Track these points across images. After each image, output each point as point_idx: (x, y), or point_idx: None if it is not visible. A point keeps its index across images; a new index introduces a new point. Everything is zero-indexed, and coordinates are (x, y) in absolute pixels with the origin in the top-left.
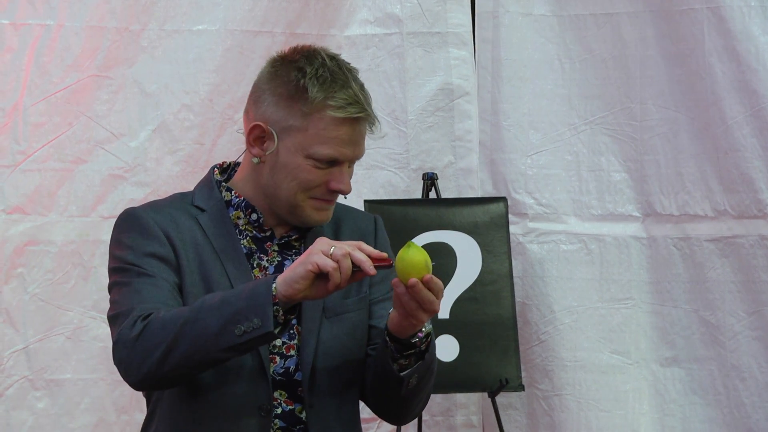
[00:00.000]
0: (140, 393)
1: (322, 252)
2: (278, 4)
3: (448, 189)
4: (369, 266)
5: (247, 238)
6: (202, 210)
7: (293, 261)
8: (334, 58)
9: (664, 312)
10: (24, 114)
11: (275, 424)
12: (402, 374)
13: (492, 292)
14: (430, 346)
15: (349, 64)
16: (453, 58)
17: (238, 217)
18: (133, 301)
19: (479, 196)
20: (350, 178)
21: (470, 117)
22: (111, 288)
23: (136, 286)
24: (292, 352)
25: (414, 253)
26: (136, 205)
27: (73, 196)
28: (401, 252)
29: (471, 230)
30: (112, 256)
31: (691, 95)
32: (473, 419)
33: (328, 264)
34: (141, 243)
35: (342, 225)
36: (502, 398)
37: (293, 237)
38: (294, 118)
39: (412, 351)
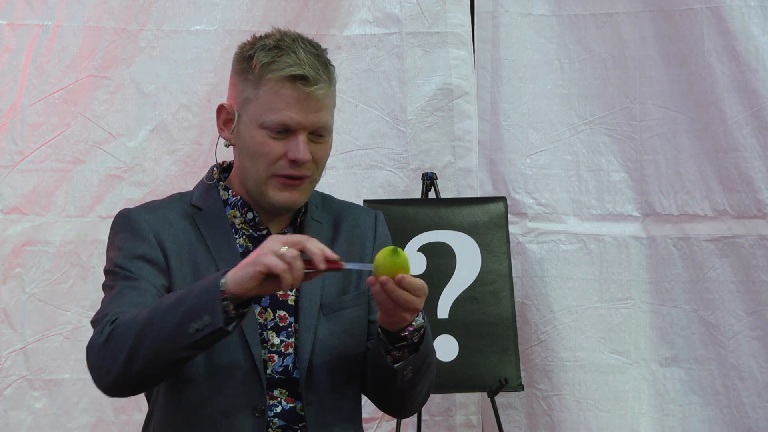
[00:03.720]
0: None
1: (273, 252)
2: (277, 3)
3: (447, 189)
4: (320, 260)
5: (244, 237)
6: (200, 209)
7: None
8: (288, 34)
9: (664, 312)
10: (22, 114)
11: (274, 423)
12: (396, 366)
13: (491, 292)
14: (424, 339)
15: (311, 41)
16: (452, 58)
17: (235, 216)
18: (112, 306)
19: (479, 196)
20: (324, 153)
21: (470, 117)
22: (103, 290)
23: (118, 290)
24: (291, 350)
25: (388, 259)
26: (134, 205)
27: (71, 197)
28: (378, 256)
29: (470, 230)
30: (107, 257)
31: (690, 95)
32: (473, 419)
33: (279, 266)
34: (131, 245)
35: (341, 222)
36: (501, 398)
37: (287, 233)
38: (247, 89)
39: (404, 343)
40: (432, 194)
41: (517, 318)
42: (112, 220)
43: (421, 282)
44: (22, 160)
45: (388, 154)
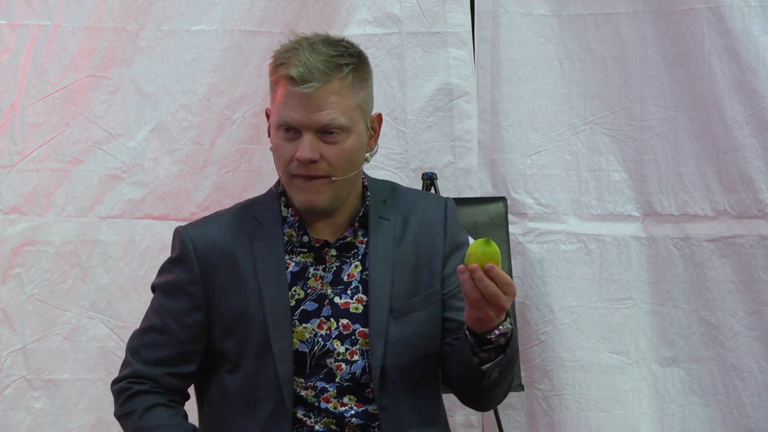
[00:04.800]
0: None
1: None
2: (276, 3)
3: (447, 189)
4: None
5: (302, 254)
6: (260, 223)
7: (351, 265)
8: (310, 37)
9: (664, 312)
10: (21, 114)
11: (352, 423)
12: (483, 367)
13: None
14: (512, 341)
15: (336, 41)
16: (452, 58)
17: (291, 236)
18: (141, 346)
19: (479, 196)
20: (339, 153)
21: (470, 117)
22: (152, 291)
23: (148, 326)
24: (356, 357)
25: (480, 248)
26: (133, 205)
27: (70, 197)
28: (471, 246)
29: (470, 230)
30: (159, 270)
31: (690, 95)
32: (473, 419)
33: None
34: (174, 271)
35: (410, 217)
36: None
37: (348, 238)
38: (271, 92)
39: (491, 346)
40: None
41: (517, 318)
42: (111, 220)
43: (509, 279)
44: (21, 160)
45: (388, 154)
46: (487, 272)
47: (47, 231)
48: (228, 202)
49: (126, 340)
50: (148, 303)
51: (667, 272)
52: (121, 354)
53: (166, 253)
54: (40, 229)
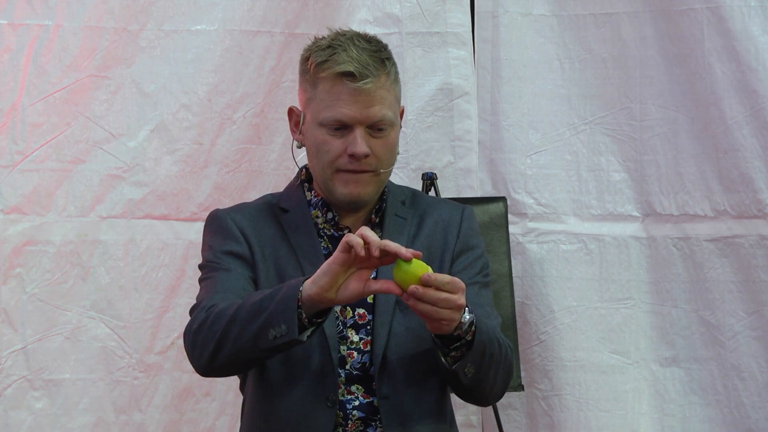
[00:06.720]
0: (138, 393)
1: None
2: (277, 3)
3: (447, 189)
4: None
5: (326, 238)
6: (286, 211)
7: None
8: (345, 33)
9: (664, 312)
10: (22, 114)
11: (354, 415)
12: (454, 367)
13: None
14: (477, 334)
15: (369, 37)
16: (452, 58)
17: (317, 216)
18: (208, 293)
19: (479, 196)
20: (385, 147)
21: (470, 117)
22: (199, 284)
23: (212, 279)
24: (369, 348)
25: (400, 271)
26: (134, 205)
27: (71, 196)
28: (394, 276)
29: None
30: (202, 256)
31: (690, 95)
32: (473, 419)
33: (354, 237)
34: (220, 242)
35: (426, 218)
36: (501, 398)
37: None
38: (307, 90)
39: (459, 343)
40: (432, 194)
41: (517, 318)
42: (112, 219)
43: (448, 276)
44: (22, 160)
45: None
46: (425, 283)
47: (48, 231)
48: (228, 202)
49: (127, 341)
50: (149, 303)
51: (667, 272)
52: (122, 354)
53: (167, 253)
54: (41, 229)
